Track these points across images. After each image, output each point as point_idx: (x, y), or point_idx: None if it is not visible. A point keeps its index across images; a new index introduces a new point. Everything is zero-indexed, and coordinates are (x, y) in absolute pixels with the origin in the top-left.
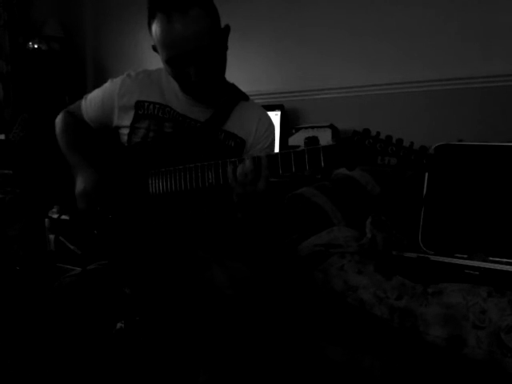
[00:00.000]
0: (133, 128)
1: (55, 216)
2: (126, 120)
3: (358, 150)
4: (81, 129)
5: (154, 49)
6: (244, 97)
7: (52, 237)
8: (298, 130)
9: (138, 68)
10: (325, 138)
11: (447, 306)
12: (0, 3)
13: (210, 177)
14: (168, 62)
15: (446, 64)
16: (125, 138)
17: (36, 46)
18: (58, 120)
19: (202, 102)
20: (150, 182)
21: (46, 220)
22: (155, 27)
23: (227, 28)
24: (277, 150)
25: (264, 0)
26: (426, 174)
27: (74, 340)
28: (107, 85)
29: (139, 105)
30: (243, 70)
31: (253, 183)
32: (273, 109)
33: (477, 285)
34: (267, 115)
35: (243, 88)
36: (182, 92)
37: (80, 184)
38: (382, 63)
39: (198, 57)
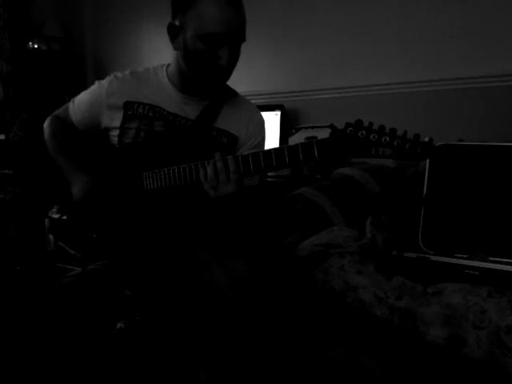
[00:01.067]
0: (123, 129)
1: (55, 216)
2: (116, 121)
3: (351, 142)
4: (69, 133)
5: (172, 27)
6: (233, 93)
7: (52, 237)
8: (298, 130)
9: (138, 68)
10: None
11: (447, 305)
12: (0, 3)
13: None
14: (204, 37)
15: (446, 64)
16: (115, 140)
17: (36, 46)
18: (46, 125)
19: (200, 94)
20: (145, 183)
21: (46, 220)
22: (205, 1)
23: None
24: None
25: (264, 0)
26: (426, 174)
27: (73, 340)
28: (94, 87)
29: (128, 106)
30: (243, 70)
31: (223, 186)
32: (273, 109)
33: (477, 285)
34: (257, 110)
35: (243, 88)
36: (176, 89)
37: (76, 192)
38: (382, 63)
39: (235, 41)
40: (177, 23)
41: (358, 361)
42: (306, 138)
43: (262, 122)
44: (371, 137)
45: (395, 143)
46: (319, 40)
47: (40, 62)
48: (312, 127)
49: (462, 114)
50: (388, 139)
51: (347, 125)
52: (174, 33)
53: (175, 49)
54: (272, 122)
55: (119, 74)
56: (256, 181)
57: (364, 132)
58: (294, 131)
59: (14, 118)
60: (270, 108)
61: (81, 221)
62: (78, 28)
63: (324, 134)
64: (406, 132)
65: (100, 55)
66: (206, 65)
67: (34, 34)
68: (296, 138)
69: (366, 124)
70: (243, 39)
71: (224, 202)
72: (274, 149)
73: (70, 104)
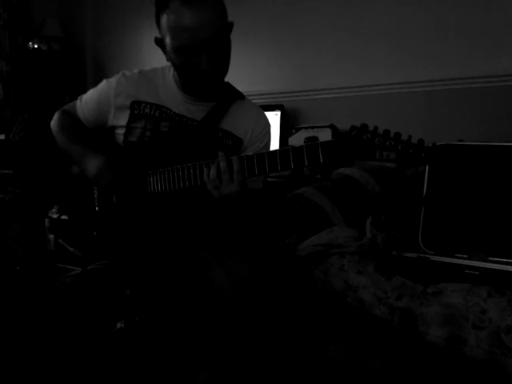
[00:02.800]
0: (129, 128)
1: (55, 216)
2: (122, 120)
3: (356, 145)
4: (79, 125)
5: (158, 42)
6: (240, 95)
7: (52, 237)
8: (298, 129)
9: (137, 68)
10: (325, 137)
11: (447, 306)
12: (0, 3)
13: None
14: (178, 49)
15: (445, 64)
16: (121, 138)
17: (36, 46)
18: (55, 119)
19: (202, 97)
20: (149, 181)
21: (46, 220)
22: (168, 14)
23: (231, 23)
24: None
25: (264, 0)
26: (426, 174)
27: (74, 340)
28: (102, 85)
29: (135, 105)
30: (243, 70)
31: (226, 186)
32: (273, 109)
33: (477, 285)
34: (264, 114)
35: (243, 88)
36: (182, 91)
37: (95, 164)
38: (382, 63)
39: (211, 45)
40: (159, 37)
41: (359, 360)
42: (306, 138)
43: (267, 126)
44: (376, 140)
45: (399, 147)
46: (319, 40)
47: (40, 61)
48: (312, 127)
49: (462, 114)
50: (393, 143)
51: (352, 128)
52: (161, 46)
53: (167, 60)
54: (272, 122)
55: (128, 73)
56: (260, 184)
57: (369, 136)
58: (294, 131)
59: (14, 118)
60: (270, 108)
61: (82, 218)
62: (78, 28)
63: (324, 133)
64: (410, 136)
65: (100, 55)
66: (190, 73)
67: (33, 34)
68: (296, 138)
69: (371, 128)
70: (220, 39)
71: (227, 203)
72: (279, 150)
73: (78, 102)
